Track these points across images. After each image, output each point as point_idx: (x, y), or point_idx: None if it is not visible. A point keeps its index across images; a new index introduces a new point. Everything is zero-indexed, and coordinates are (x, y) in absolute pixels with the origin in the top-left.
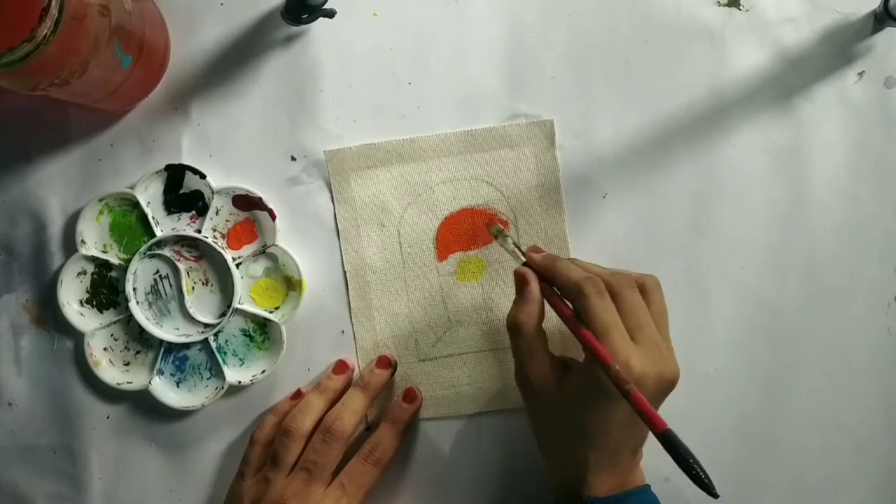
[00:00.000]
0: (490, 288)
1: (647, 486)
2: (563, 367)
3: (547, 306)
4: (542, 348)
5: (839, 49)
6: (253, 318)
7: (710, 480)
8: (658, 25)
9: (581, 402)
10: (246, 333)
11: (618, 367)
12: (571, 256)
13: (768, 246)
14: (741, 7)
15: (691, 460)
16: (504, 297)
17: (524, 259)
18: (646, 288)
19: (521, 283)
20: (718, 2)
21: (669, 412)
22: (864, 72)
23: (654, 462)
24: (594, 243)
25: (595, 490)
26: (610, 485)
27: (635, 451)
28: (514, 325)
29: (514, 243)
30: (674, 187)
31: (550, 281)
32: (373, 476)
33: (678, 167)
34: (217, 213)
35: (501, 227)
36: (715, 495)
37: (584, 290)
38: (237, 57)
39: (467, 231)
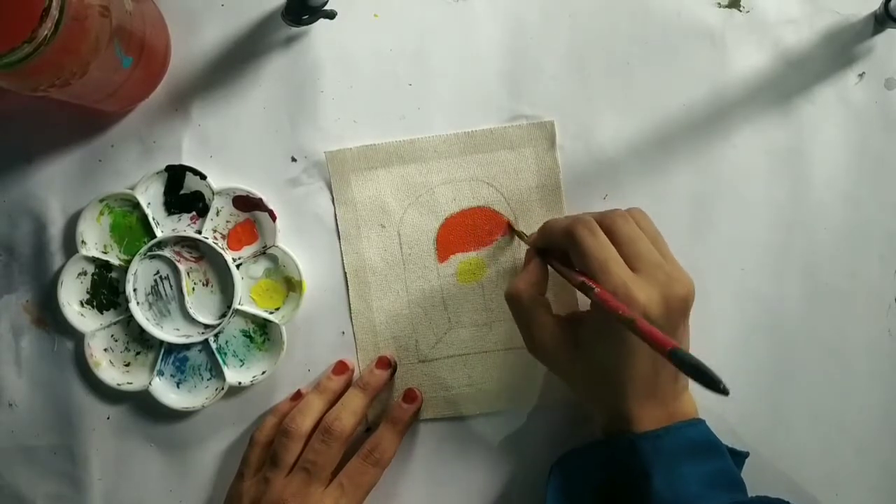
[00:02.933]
0: (490, 289)
1: (700, 420)
2: (571, 322)
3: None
4: (544, 312)
5: (839, 50)
6: (253, 318)
7: (722, 383)
8: (658, 26)
9: (600, 346)
10: (246, 334)
11: (618, 304)
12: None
13: (768, 247)
14: (741, 8)
15: (701, 368)
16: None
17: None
18: (635, 217)
19: (525, 260)
20: (719, 3)
21: None
22: (864, 73)
23: None
24: None
25: (643, 423)
26: (657, 415)
27: (676, 375)
28: (509, 295)
29: (518, 232)
30: (674, 188)
31: (550, 245)
32: (372, 476)
33: (679, 168)
34: (217, 213)
35: (517, 231)
36: (726, 392)
37: (574, 232)
38: (238, 58)
39: (468, 232)
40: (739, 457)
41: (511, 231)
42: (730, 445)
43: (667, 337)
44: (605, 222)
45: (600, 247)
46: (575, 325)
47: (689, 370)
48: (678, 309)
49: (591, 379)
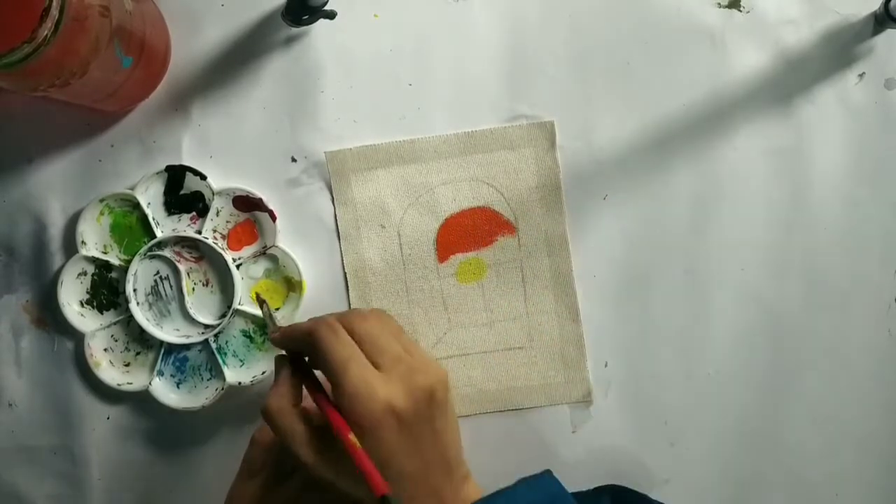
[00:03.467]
0: (490, 289)
1: (507, 490)
2: (326, 431)
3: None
4: (304, 425)
5: (839, 50)
6: (253, 319)
7: None
8: (658, 27)
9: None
10: (246, 334)
11: (337, 423)
12: (572, 258)
13: (769, 247)
14: (741, 8)
15: None
16: (504, 299)
17: (274, 328)
18: (375, 316)
19: (276, 368)
20: (719, 3)
21: (671, 413)
22: (864, 73)
23: (654, 465)
24: (594, 244)
25: None
26: None
27: (448, 471)
28: (266, 413)
29: (270, 317)
30: (674, 188)
31: (293, 347)
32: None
33: (679, 168)
34: (217, 214)
35: (263, 300)
36: None
37: (314, 332)
38: (238, 58)
39: (468, 232)
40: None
41: (268, 319)
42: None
43: (382, 481)
44: (344, 322)
45: (342, 345)
46: (329, 434)
47: None
48: (424, 400)
49: (357, 487)
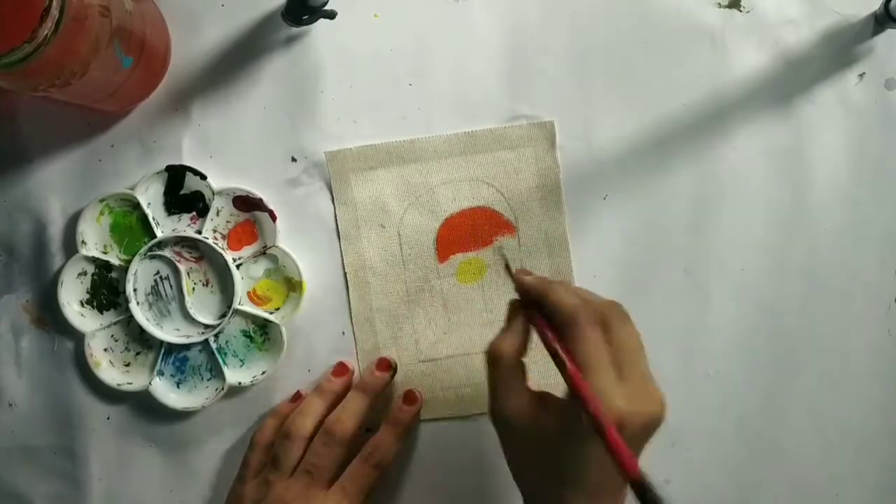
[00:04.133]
0: (490, 289)
1: None
2: (541, 401)
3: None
4: (521, 381)
5: (839, 50)
6: (253, 319)
7: None
8: (658, 27)
9: (559, 440)
10: (246, 334)
11: (596, 407)
12: (572, 258)
13: (769, 247)
14: (741, 8)
15: None
16: (504, 299)
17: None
18: (632, 323)
19: (509, 313)
20: (719, 3)
21: (671, 414)
22: (864, 73)
23: (654, 465)
24: (595, 244)
25: None
26: None
27: (616, 495)
28: (491, 354)
29: (507, 266)
30: (674, 188)
31: (541, 304)
32: (374, 478)
33: (679, 168)
34: (217, 213)
35: (502, 247)
36: None
37: (577, 318)
38: (238, 58)
39: (468, 232)
40: None
41: (506, 270)
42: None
43: (634, 459)
44: (606, 318)
45: (597, 343)
46: (543, 407)
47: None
48: (642, 429)
49: (536, 468)
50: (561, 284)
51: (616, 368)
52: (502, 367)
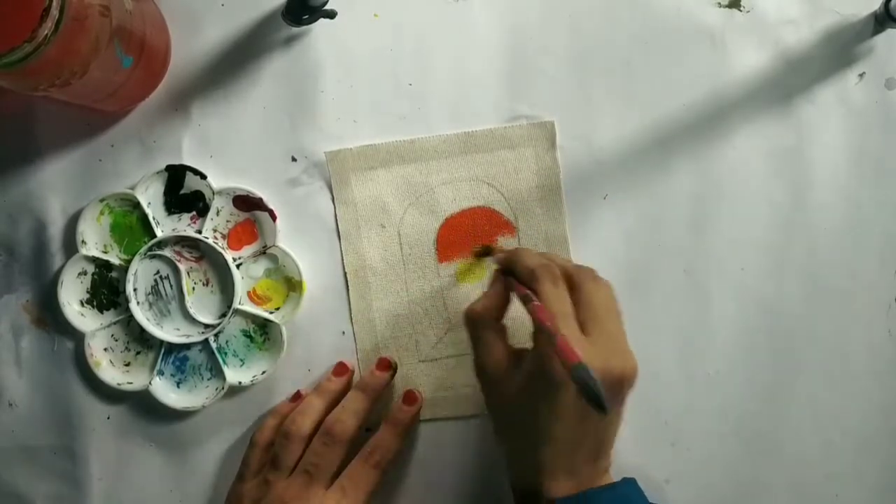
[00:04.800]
0: None
1: (620, 482)
2: (519, 357)
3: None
4: (499, 339)
5: (840, 50)
6: (253, 318)
7: (606, 408)
8: (658, 27)
9: (530, 392)
10: (246, 334)
11: (544, 319)
12: (572, 258)
13: (769, 247)
14: (741, 8)
15: (592, 391)
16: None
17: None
18: (605, 286)
19: (490, 282)
20: (719, 3)
21: (671, 413)
22: (864, 73)
23: (654, 465)
24: (595, 244)
25: (550, 493)
26: (568, 488)
27: (596, 455)
28: (466, 314)
29: (487, 252)
30: (674, 188)
31: (511, 271)
32: (373, 478)
33: (679, 168)
34: (218, 213)
35: (480, 248)
36: (603, 408)
37: (537, 275)
38: (238, 58)
39: (468, 232)
40: None
41: (481, 251)
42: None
43: (577, 352)
44: (574, 278)
45: (558, 298)
46: (518, 360)
47: (583, 387)
48: (611, 385)
49: (514, 424)
50: (527, 250)
51: (580, 324)
52: (478, 324)
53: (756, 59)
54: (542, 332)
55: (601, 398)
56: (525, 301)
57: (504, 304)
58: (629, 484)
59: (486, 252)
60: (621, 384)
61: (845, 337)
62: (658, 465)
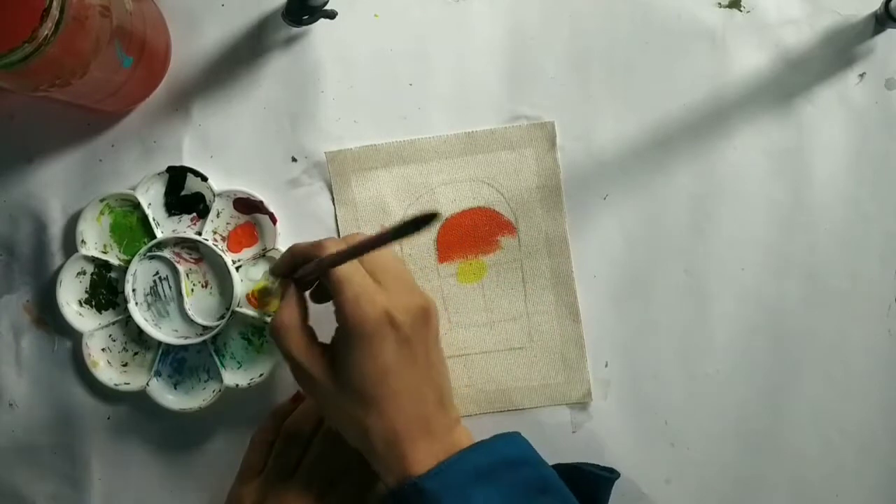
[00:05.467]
0: (490, 289)
1: (490, 441)
2: (331, 346)
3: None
4: (311, 340)
5: (840, 50)
6: (252, 321)
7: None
8: (659, 27)
9: (350, 360)
10: (244, 336)
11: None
12: (572, 258)
13: (769, 247)
14: (742, 8)
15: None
16: (505, 299)
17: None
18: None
19: (280, 292)
20: (719, 3)
21: (671, 414)
22: (864, 73)
23: (654, 465)
24: (595, 244)
25: (421, 463)
26: (435, 450)
27: (441, 403)
28: (275, 329)
29: (273, 281)
30: (674, 188)
31: (297, 263)
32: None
33: (679, 168)
34: (218, 215)
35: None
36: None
37: (320, 243)
38: (238, 58)
39: (468, 233)
40: (605, 478)
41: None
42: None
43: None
44: (349, 239)
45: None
46: (331, 348)
47: (412, 224)
48: (420, 318)
49: (353, 407)
50: (296, 243)
51: (372, 276)
52: (289, 333)
53: (756, 59)
54: (343, 283)
55: (427, 214)
56: (319, 264)
57: (303, 306)
58: (502, 439)
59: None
60: (427, 315)
61: (845, 337)
62: (658, 465)
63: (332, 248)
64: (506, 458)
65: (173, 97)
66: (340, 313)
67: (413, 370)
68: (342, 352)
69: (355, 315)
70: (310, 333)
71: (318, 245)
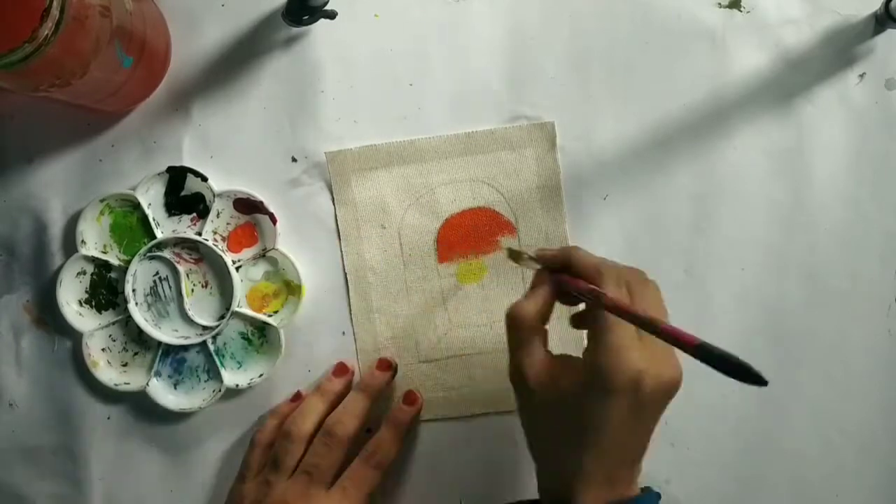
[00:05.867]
0: (491, 289)
1: (646, 496)
2: (562, 363)
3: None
4: (540, 344)
5: (840, 51)
6: (252, 321)
7: (755, 371)
8: (659, 27)
9: (580, 397)
10: (244, 337)
11: (631, 310)
12: None
13: (769, 247)
14: (742, 8)
15: (733, 360)
16: (505, 298)
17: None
18: (655, 286)
19: (535, 280)
20: (719, 3)
21: (671, 414)
22: (864, 73)
23: (654, 465)
24: (595, 245)
25: (582, 501)
26: (603, 498)
27: (633, 464)
28: (511, 315)
29: (517, 254)
30: (674, 188)
31: (567, 269)
32: (374, 478)
33: (679, 168)
34: (218, 215)
35: (513, 249)
36: (763, 382)
37: (602, 273)
38: (238, 58)
39: (468, 233)
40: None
41: (518, 259)
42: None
43: (691, 334)
44: (629, 280)
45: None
46: (563, 367)
47: (717, 361)
48: (665, 392)
49: (554, 430)
50: (582, 249)
51: (637, 330)
52: (523, 328)
53: (756, 59)
54: (610, 326)
55: (752, 369)
56: (597, 296)
57: (551, 307)
58: (652, 496)
59: (516, 256)
60: (673, 390)
61: (845, 337)
62: (658, 465)
63: (613, 287)
64: None
65: (173, 97)
66: (594, 353)
67: (629, 432)
68: (575, 381)
69: (608, 365)
70: (544, 336)
71: (601, 270)
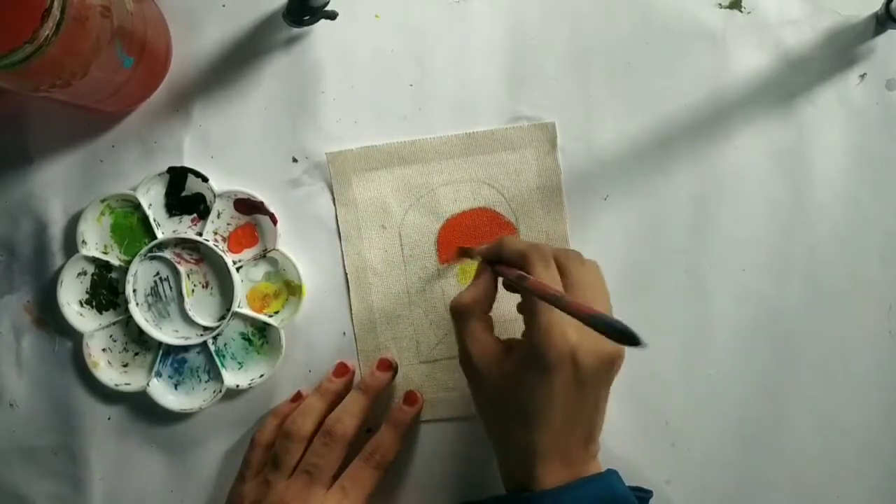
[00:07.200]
0: None
1: (606, 473)
2: (506, 346)
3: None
4: (484, 328)
5: (840, 51)
6: (252, 322)
7: (639, 338)
8: (659, 27)
9: (522, 377)
10: (245, 337)
11: (546, 289)
12: None
13: (769, 248)
14: (742, 9)
15: (618, 326)
16: (506, 299)
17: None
18: (592, 266)
19: (476, 274)
20: (720, 4)
21: (671, 413)
22: (865, 74)
23: (654, 465)
24: (595, 245)
25: (543, 482)
26: (562, 475)
27: (588, 440)
28: (452, 305)
29: (476, 252)
30: (675, 189)
31: (499, 259)
32: (374, 478)
33: (679, 169)
34: (218, 216)
35: (462, 248)
36: (640, 342)
37: (528, 257)
38: (239, 58)
39: (469, 233)
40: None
41: (462, 253)
42: (730, 447)
43: (589, 306)
44: (561, 259)
45: (550, 280)
46: (507, 350)
47: (612, 330)
48: (605, 365)
49: (504, 412)
50: (512, 238)
51: None
52: (466, 317)
53: (757, 59)
54: (541, 307)
55: (634, 333)
56: (520, 280)
57: (492, 295)
58: (613, 474)
59: (466, 253)
60: (612, 364)
61: (845, 337)
62: (658, 465)
63: (541, 269)
64: (619, 496)
65: (174, 97)
66: (528, 334)
67: (575, 407)
68: (516, 362)
69: (542, 343)
70: (487, 322)
71: (527, 254)
